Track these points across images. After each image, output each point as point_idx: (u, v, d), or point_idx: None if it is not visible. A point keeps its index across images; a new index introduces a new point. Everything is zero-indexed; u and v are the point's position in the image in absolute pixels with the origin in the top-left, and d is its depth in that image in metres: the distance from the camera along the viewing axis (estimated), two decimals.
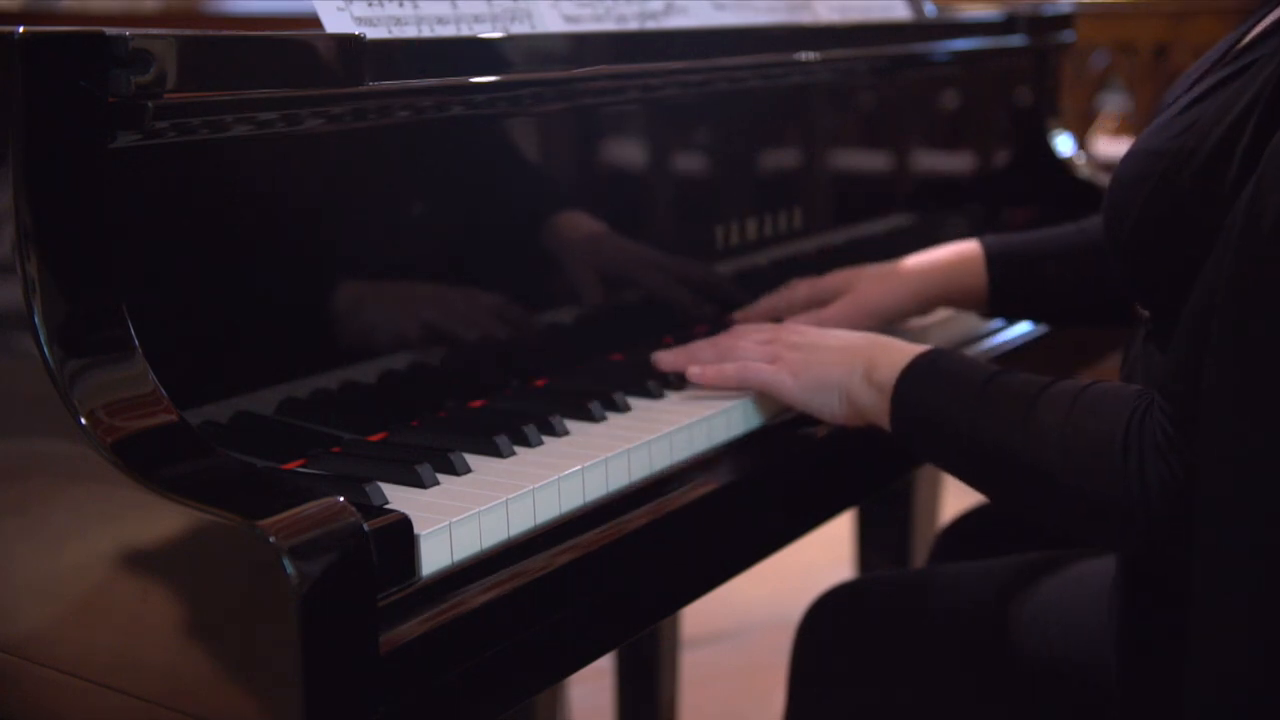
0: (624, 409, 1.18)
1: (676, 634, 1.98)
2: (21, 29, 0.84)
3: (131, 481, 0.83)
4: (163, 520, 0.83)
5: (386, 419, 1.11)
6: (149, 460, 0.85)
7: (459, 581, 0.91)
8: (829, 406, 1.19)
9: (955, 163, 1.87)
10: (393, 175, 1.11)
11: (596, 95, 1.27)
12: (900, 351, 1.17)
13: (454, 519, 0.92)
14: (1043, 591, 1.25)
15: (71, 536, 0.88)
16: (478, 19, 1.19)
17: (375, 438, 1.09)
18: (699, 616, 2.54)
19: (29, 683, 0.93)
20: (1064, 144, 1.98)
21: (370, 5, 1.10)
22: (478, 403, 1.18)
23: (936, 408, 1.12)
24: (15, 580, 0.92)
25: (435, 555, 0.91)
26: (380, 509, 0.91)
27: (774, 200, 1.50)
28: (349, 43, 1.02)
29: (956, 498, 1.99)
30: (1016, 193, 1.93)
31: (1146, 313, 1.16)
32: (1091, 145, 3.71)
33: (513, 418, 1.11)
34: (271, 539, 0.78)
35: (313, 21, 1.07)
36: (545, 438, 1.10)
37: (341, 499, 0.83)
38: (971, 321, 1.56)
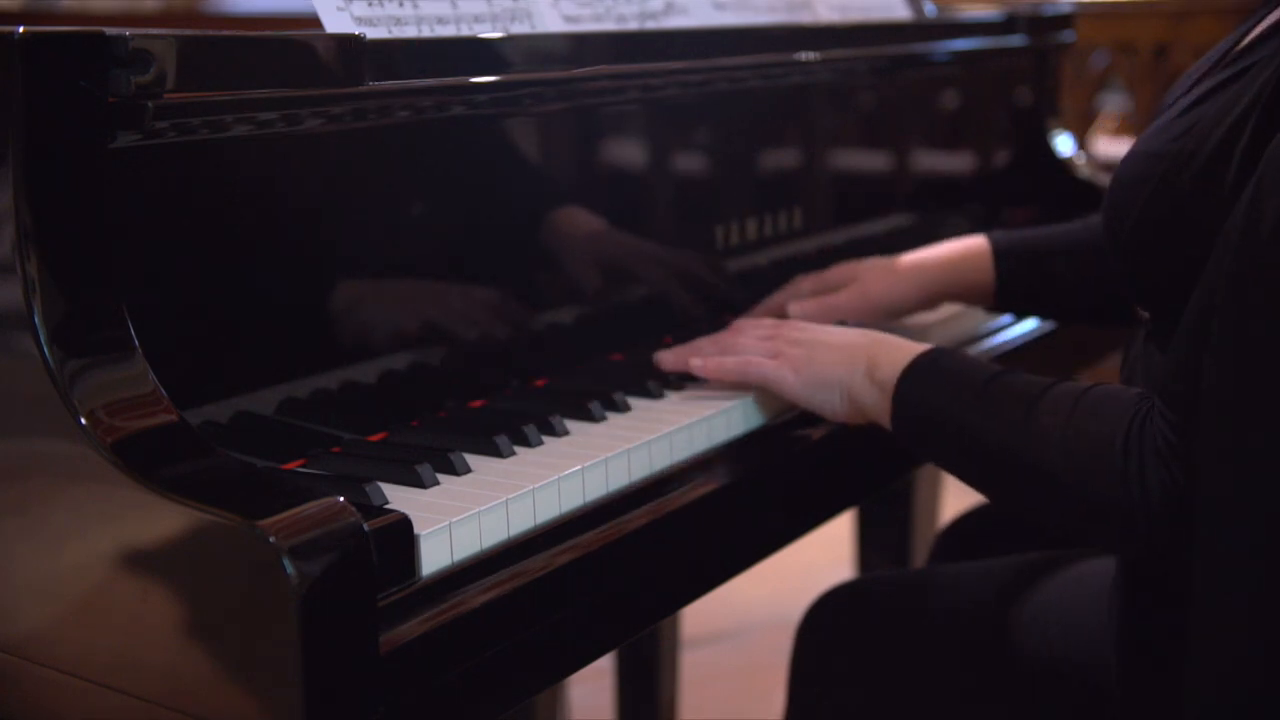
0: (624, 409, 1.18)
1: (676, 634, 1.98)
2: (21, 29, 0.84)
3: (131, 481, 0.83)
4: (163, 520, 0.83)
5: (386, 419, 1.11)
6: (149, 460, 0.85)
7: (459, 581, 0.91)
8: (830, 404, 1.19)
9: (955, 163, 1.87)
10: (393, 175, 1.11)
11: (596, 95, 1.27)
12: (902, 350, 1.17)
13: (454, 519, 0.92)
14: (1043, 591, 1.25)
15: (71, 536, 0.88)
16: (478, 19, 1.19)
17: (375, 438, 1.09)
18: (699, 616, 2.54)
19: (29, 683, 0.93)
20: (1064, 144, 1.98)
21: (370, 5, 1.10)
22: (478, 403, 1.18)
23: (938, 407, 1.12)
24: (15, 580, 0.92)
25: (435, 555, 0.91)
26: (380, 509, 0.91)
27: (774, 200, 1.50)
28: (349, 43, 1.02)
29: (956, 498, 1.98)
30: (1016, 193, 1.93)
31: (1146, 313, 1.16)
32: (1091, 145, 3.71)
33: (513, 418, 1.11)
34: (271, 539, 0.78)
35: (313, 21, 1.07)
36: (545, 438, 1.10)
37: (341, 499, 0.83)
38: (973, 320, 1.56)
